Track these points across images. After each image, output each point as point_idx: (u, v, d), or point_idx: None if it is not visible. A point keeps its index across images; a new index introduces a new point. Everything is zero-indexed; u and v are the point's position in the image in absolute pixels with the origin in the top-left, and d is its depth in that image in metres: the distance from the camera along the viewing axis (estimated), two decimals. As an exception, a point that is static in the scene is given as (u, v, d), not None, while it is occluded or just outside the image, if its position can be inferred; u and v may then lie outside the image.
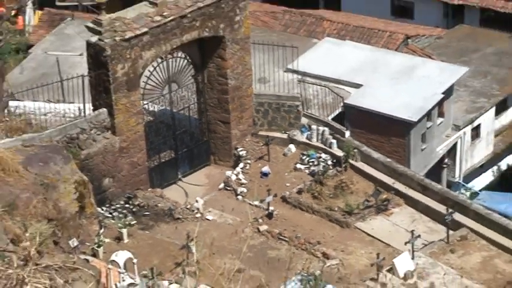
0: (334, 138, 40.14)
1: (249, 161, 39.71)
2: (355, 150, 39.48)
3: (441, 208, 36.74)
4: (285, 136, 40.42)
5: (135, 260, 30.06)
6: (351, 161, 39.27)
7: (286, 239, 35.13)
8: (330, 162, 39.40)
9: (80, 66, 39.86)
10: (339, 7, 63.82)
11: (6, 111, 37.91)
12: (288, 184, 38.86)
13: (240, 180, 38.91)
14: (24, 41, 59.97)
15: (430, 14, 61.32)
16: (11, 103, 39.84)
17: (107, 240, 32.45)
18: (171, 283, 28.75)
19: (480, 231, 35.90)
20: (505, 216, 37.87)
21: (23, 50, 56.40)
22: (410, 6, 62.72)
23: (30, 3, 69.35)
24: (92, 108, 37.36)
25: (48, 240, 21.52)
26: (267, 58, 43.40)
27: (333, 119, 42.59)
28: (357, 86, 45.84)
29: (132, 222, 34.96)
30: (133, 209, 36.27)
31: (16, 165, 23.37)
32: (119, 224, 34.33)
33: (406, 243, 34.17)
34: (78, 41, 45.21)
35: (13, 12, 65.78)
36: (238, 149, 39.97)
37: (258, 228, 35.86)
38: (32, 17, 68.30)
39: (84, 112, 38.05)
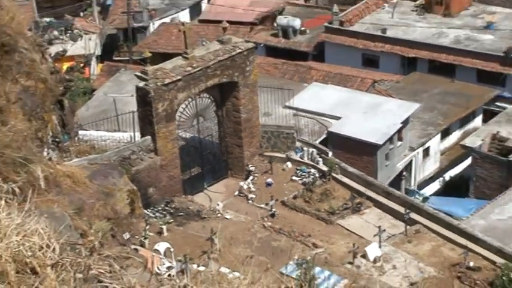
0: (320, 157, 40.03)
1: (256, 175, 39.57)
2: (336, 166, 39.36)
3: (401, 209, 36.70)
4: (283, 156, 40.31)
5: (172, 249, 30.41)
6: (333, 174, 39.13)
7: (285, 233, 35.09)
8: (317, 175, 39.31)
9: (131, 104, 39.84)
10: (323, 59, 63.72)
11: (76, 138, 37.97)
12: (286, 192, 38.75)
13: (250, 188, 38.79)
14: (89, 86, 60.45)
15: (391, 64, 61.41)
16: (80, 132, 39.95)
17: (151, 234, 32.54)
18: (199, 266, 28.96)
19: (430, 226, 35.92)
20: (449, 215, 37.89)
21: (89, 93, 56.77)
22: (376, 58, 62.75)
23: (94, 58, 69.79)
24: (140, 135, 37.41)
25: (107, 234, 21.42)
26: (270, 98, 43.53)
27: (319, 143, 42.54)
28: (337, 118, 45.79)
29: (170, 221, 35.05)
30: (171, 211, 36.20)
31: (83, 178, 23.18)
32: (160, 222, 34.41)
33: (374, 236, 34.53)
34: (130, 86, 45.18)
35: (81, 65, 66.39)
36: (249, 166, 39.83)
37: (264, 225, 35.81)
38: (95, 68, 68.85)
39: (134, 139, 38.25)
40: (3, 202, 7.48)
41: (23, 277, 6.78)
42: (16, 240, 6.61)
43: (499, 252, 33.59)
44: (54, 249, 7.09)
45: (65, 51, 65.48)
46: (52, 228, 7.41)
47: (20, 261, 6.74)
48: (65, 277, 6.98)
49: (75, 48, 68.64)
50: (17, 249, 6.66)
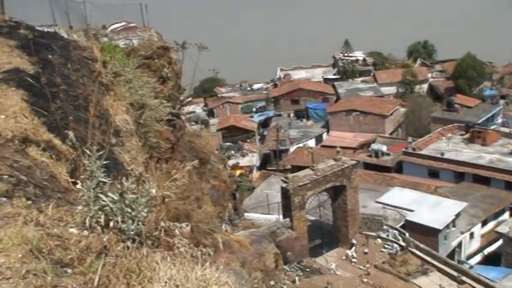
0: (400, 236, 38.24)
1: (357, 246, 38.11)
2: (411, 242, 37.47)
3: (455, 273, 34.37)
4: (375, 234, 38.70)
5: (301, 294, 29.24)
6: (409, 248, 37.24)
7: (377, 287, 33.40)
8: (398, 248, 37.47)
9: (277, 197, 39.73)
10: (401, 172, 62.43)
11: (243, 218, 38.21)
12: (377, 258, 36.98)
13: (353, 255, 37.29)
14: (251, 185, 60.62)
15: (447, 176, 59.74)
16: (245, 214, 40.21)
17: (287, 282, 31.51)
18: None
19: (475, 286, 33.57)
20: (488, 278, 35.42)
21: (251, 189, 56.93)
22: (437, 172, 61.47)
23: (255, 167, 70.61)
24: (282, 217, 36.83)
25: (260, 281, 20.83)
26: (366, 196, 42.64)
27: (400, 227, 40.77)
28: (411, 210, 44.22)
29: (300, 274, 33.94)
30: (301, 267, 35.12)
31: (246, 244, 22.88)
32: (294, 275, 33.37)
33: (437, 291, 32.21)
34: (277, 186, 45.06)
35: (247, 172, 67.10)
36: (352, 240, 38.38)
37: (362, 280, 34.18)
38: (255, 173, 69.28)
39: (279, 219, 37.65)
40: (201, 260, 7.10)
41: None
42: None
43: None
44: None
45: (237, 163, 66.79)
46: (236, 280, 6.95)
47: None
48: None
49: (243, 162, 69.96)
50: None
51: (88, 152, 4.55)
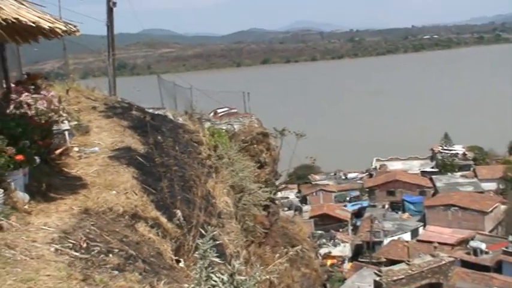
0: None
1: None
2: None
3: None
4: None
5: None
6: None
7: None
8: None
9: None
10: (501, 272, 58.98)
11: None
12: None
13: None
14: (343, 276, 59.16)
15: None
16: None
17: None
18: None
19: None
20: None
21: (341, 281, 55.45)
22: None
23: (347, 258, 69.32)
24: None
25: None
26: None
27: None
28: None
29: None
30: None
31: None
32: None
33: None
34: (369, 278, 43.54)
35: (339, 263, 65.86)
36: None
37: None
38: (347, 264, 67.91)
39: None
40: None
41: None
42: None
43: None
44: None
45: (329, 252, 65.90)
46: None
47: None
48: None
49: (335, 251, 69.06)
50: None
51: (194, 232, 4.71)
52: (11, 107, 8.85)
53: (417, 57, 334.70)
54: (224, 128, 20.21)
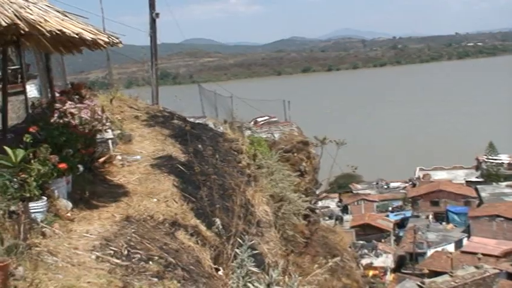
0: None
1: None
2: None
3: None
4: None
5: None
6: None
7: None
8: None
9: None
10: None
11: None
12: None
13: None
14: (384, 287, 58.33)
15: None
16: None
17: None
18: None
19: None
20: None
21: None
22: None
23: (389, 269, 68.47)
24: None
25: None
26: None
27: None
28: None
29: None
30: None
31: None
32: None
33: None
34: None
35: (381, 274, 65.10)
36: None
37: None
38: (389, 275, 67.05)
39: None
40: None
41: None
42: None
43: None
44: None
45: (371, 263, 65.23)
46: None
47: None
48: None
49: (377, 262, 68.25)
50: None
51: (232, 240, 4.73)
52: (55, 116, 9.06)
53: (461, 64, 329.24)
54: (264, 136, 20.25)
